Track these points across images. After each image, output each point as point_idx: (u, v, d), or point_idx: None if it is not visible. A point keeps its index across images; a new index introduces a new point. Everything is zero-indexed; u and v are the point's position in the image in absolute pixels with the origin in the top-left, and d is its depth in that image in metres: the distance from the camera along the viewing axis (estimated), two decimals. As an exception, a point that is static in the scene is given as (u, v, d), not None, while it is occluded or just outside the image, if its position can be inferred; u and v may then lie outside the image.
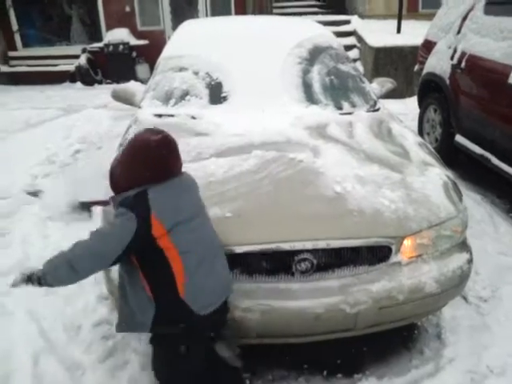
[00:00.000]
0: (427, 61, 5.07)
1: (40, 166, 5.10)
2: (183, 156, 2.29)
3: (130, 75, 9.65)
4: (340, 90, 3.21)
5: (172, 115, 2.93)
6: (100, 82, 10.10)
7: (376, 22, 10.45)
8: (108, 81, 10.01)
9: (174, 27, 10.61)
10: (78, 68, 9.84)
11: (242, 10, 10.03)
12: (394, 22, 10.12)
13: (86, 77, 9.83)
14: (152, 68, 9.91)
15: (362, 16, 10.92)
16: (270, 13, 10.26)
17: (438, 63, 4.79)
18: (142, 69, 9.85)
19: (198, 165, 2.29)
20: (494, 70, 3.89)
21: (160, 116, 2.96)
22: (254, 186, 2.14)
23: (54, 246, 3.31)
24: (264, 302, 1.92)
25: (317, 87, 3.16)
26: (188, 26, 4.00)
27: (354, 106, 3.11)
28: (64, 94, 9.39)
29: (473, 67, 4.19)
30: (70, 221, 3.76)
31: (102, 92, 9.42)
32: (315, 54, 3.37)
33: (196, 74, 3.18)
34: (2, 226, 3.74)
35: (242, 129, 2.63)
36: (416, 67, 5.55)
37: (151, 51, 10.12)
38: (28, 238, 3.47)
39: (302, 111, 2.88)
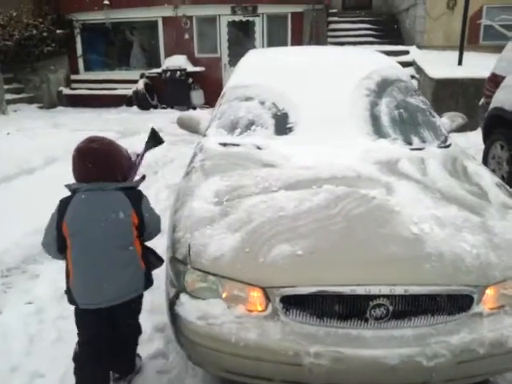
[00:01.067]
0: (495, 95, 4.87)
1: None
2: (251, 188, 2.26)
3: (185, 101, 9.89)
4: (409, 124, 3.10)
5: (237, 144, 2.91)
6: (155, 107, 10.39)
7: (435, 52, 10.28)
8: (163, 106, 10.29)
9: (231, 55, 10.92)
10: (136, 92, 10.18)
11: (298, 39, 10.13)
12: (454, 54, 9.92)
13: (142, 101, 10.15)
14: (206, 94, 10.19)
15: (419, 46, 10.77)
16: (325, 42, 10.29)
17: (507, 98, 4.59)
18: (196, 95, 10.07)
19: (267, 197, 2.23)
20: None
21: (225, 145, 2.94)
22: (326, 223, 2.04)
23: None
24: (335, 349, 1.80)
25: (385, 120, 3.06)
26: (253, 55, 4.03)
27: (424, 141, 2.98)
28: (121, 117, 9.72)
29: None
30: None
31: (157, 116, 9.70)
32: (384, 87, 3.28)
33: (262, 103, 3.16)
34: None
35: (311, 162, 2.55)
36: (482, 101, 5.35)
37: (206, 78, 10.40)
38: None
39: (371, 145, 2.78)
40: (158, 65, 10.66)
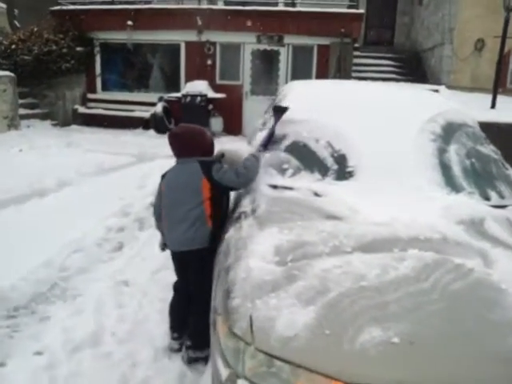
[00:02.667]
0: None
1: (114, 217, 4.83)
2: (319, 246, 1.90)
3: (204, 127, 9.57)
4: (483, 177, 2.74)
5: (290, 188, 2.54)
6: (172, 131, 10.10)
7: (462, 94, 10.03)
8: (180, 130, 10.01)
9: (253, 83, 10.70)
10: (154, 115, 9.91)
11: (323, 72, 9.92)
12: (481, 96, 9.68)
13: (160, 125, 9.87)
14: (225, 122, 9.92)
15: (447, 87, 10.55)
16: (349, 76, 10.07)
17: None
18: (216, 122, 9.82)
19: (341, 261, 1.84)
20: None
21: (276, 187, 2.57)
22: (421, 301, 1.65)
23: (131, 319, 2.94)
24: None
25: (457, 171, 2.70)
26: (300, 87, 3.68)
27: (502, 196, 2.62)
28: (137, 140, 9.43)
29: None
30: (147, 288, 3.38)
31: (174, 141, 9.40)
32: (450, 132, 2.93)
33: (316, 141, 2.81)
34: (74, 286, 3.40)
35: (384, 217, 2.18)
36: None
37: (227, 105, 10.15)
38: (102, 307, 3.08)
39: (448, 200, 2.41)
40: (178, 89, 10.43)
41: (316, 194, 2.48)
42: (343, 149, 2.76)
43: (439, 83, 11.30)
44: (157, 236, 4.53)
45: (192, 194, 2.51)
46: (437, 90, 9.52)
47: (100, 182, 6.26)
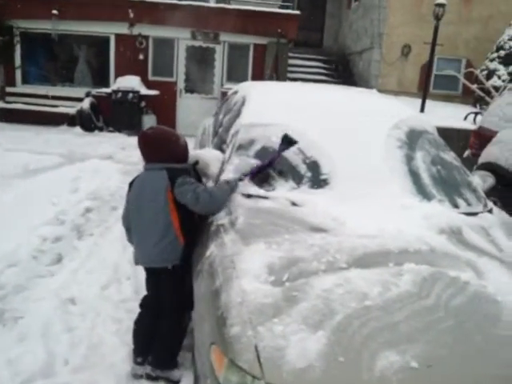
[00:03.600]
0: (486, 149, 4.78)
1: (48, 225, 4.39)
2: (313, 262, 1.80)
3: (135, 125, 9.19)
4: (449, 184, 2.78)
5: (266, 197, 2.41)
6: (101, 129, 9.57)
7: (388, 97, 10.45)
8: (110, 128, 9.51)
9: (187, 81, 10.40)
10: (80, 112, 9.31)
11: (259, 71, 9.87)
12: (407, 100, 10.15)
13: (86, 122, 9.30)
14: (159, 119, 9.55)
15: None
16: (284, 76, 10.11)
17: (502, 154, 4.50)
18: (149, 120, 9.41)
19: (340, 278, 1.75)
20: None
21: (249, 196, 2.42)
22: (429, 319, 1.60)
23: (85, 343, 2.67)
24: None
25: (425, 178, 2.71)
26: (256, 89, 3.54)
27: (469, 204, 2.67)
28: (63, 138, 8.79)
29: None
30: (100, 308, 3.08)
31: (104, 140, 8.89)
32: (414, 139, 2.95)
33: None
34: (13, 307, 3.01)
35: (371, 228, 2.11)
36: (467, 153, 5.27)
37: (160, 102, 9.78)
38: (49, 330, 2.75)
39: (425, 209, 2.39)
40: (107, 84, 9.86)
41: (294, 204, 2.36)
42: (315, 155, 2.67)
43: (367, 86, 11.70)
44: (98, 245, 4.24)
45: (156, 207, 2.31)
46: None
47: (27, 185, 5.67)
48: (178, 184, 2.28)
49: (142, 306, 2.58)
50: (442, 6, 8.74)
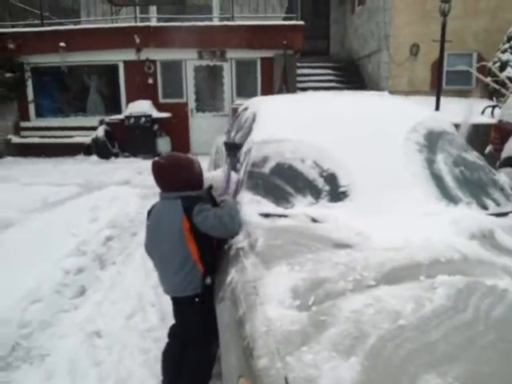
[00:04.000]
0: (508, 144, 4.63)
1: (70, 257, 4.38)
2: (339, 282, 1.71)
3: (150, 149, 9.24)
4: (475, 185, 2.66)
5: (285, 215, 2.33)
6: (117, 155, 9.64)
7: (403, 98, 10.31)
8: (126, 154, 9.57)
9: (198, 100, 10.44)
10: (95, 140, 9.40)
11: (268, 84, 9.85)
12: (419, 99, 9.97)
13: (102, 149, 9.38)
14: (173, 141, 9.60)
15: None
16: (294, 87, 10.07)
17: (525, 147, 4.34)
18: (163, 142, 9.46)
19: (369, 297, 1.65)
20: None
21: (268, 216, 2.35)
22: (469, 335, 1.49)
23: (114, 377, 2.61)
24: None
25: (449, 181, 2.61)
26: (266, 104, 3.49)
27: (497, 204, 2.55)
28: (79, 168, 8.87)
29: None
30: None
31: (121, 166, 8.94)
32: (433, 141, 2.85)
33: (302, 162, 2.63)
34: (39, 344, 2.98)
35: (397, 239, 2.02)
36: (488, 148, 5.12)
37: (173, 124, 9.82)
38: (76, 366, 2.71)
39: (452, 213, 2.29)
40: (119, 111, 9.96)
41: (314, 220, 2.29)
42: (332, 167, 2.60)
43: (378, 89, 11.58)
44: (121, 274, 4.21)
45: (172, 238, 2.26)
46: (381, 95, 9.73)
47: (46, 218, 5.71)
48: (196, 212, 2.22)
49: (169, 335, 2.53)
50: (447, 1, 8.62)
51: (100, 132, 9.45)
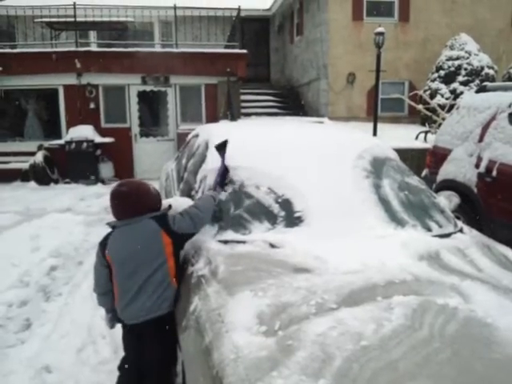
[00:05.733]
0: (443, 168, 4.96)
1: (12, 289, 4.18)
2: (302, 306, 1.77)
3: (92, 174, 9.01)
4: (418, 208, 2.83)
5: (243, 241, 2.37)
6: (57, 182, 9.31)
7: (342, 124, 10.76)
8: (66, 180, 9.26)
9: (142, 125, 10.34)
10: (33, 166, 9.03)
11: (213, 111, 9.95)
12: (357, 124, 10.49)
13: (41, 176, 9.02)
14: (116, 166, 9.41)
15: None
16: (239, 113, 10.23)
17: (459, 170, 4.68)
18: (106, 168, 9.25)
19: (331, 319, 1.71)
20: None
21: (226, 242, 2.38)
22: (427, 352, 1.58)
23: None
24: None
25: (396, 205, 2.76)
26: (216, 131, 3.53)
27: (440, 225, 2.73)
28: (17, 194, 8.48)
29: (510, 176, 4.06)
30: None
31: (62, 192, 8.63)
32: (378, 167, 3.02)
33: (257, 188, 2.69)
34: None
35: (353, 263, 2.11)
36: (424, 172, 5.44)
37: (116, 149, 9.65)
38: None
39: (401, 237, 2.43)
40: (59, 136, 9.65)
41: (272, 246, 2.34)
42: (286, 194, 2.68)
43: (318, 115, 12.03)
44: (68, 305, 4.03)
45: (152, 257, 2.24)
46: (322, 122, 10.12)
47: (-18, 249, 5.42)
48: (171, 220, 2.31)
49: (121, 368, 2.43)
50: (381, 34, 9.16)
51: (38, 157, 9.09)
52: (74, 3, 9.83)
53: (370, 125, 9.74)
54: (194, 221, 2.36)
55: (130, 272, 2.24)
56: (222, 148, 2.86)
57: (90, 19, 10.58)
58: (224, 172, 2.75)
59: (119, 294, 2.29)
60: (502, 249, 2.57)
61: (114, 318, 2.43)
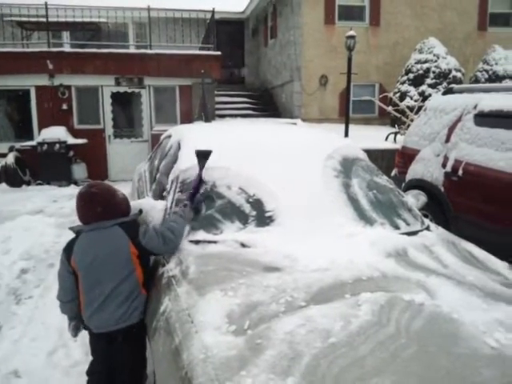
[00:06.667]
0: (411, 167, 5.07)
1: (-19, 293, 4.08)
2: (272, 304, 1.79)
3: (65, 176, 8.87)
4: (387, 207, 2.89)
5: (214, 241, 2.38)
6: (29, 183, 9.13)
7: (315, 125, 10.86)
8: (38, 182, 9.09)
9: (115, 126, 10.22)
10: (4, 168, 8.84)
11: (187, 112, 9.92)
12: (330, 126, 10.61)
13: (12, 177, 8.84)
14: (89, 167, 9.28)
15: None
16: (213, 114, 10.22)
17: (427, 170, 4.78)
18: (78, 169, 9.12)
19: (300, 317, 1.74)
20: (501, 178, 3.89)
21: (197, 242, 2.38)
22: (393, 348, 1.61)
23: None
24: None
25: (364, 203, 2.81)
26: (190, 132, 3.53)
27: (407, 223, 2.79)
28: (-14, 197, 8.25)
29: (475, 175, 4.18)
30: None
31: (34, 194, 8.47)
32: (347, 167, 3.07)
33: (229, 188, 2.70)
34: None
35: (322, 261, 2.14)
36: (394, 172, 5.55)
37: (89, 150, 9.52)
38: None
39: (370, 235, 2.47)
40: (31, 137, 9.47)
41: (243, 245, 2.36)
42: (257, 193, 2.69)
43: (292, 117, 12.12)
44: (39, 308, 3.96)
45: (119, 266, 2.17)
46: (295, 123, 10.19)
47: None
48: (142, 234, 2.23)
49: (91, 374, 2.37)
50: (352, 37, 9.29)
51: (10, 159, 8.90)
52: (46, 3, 9.67)
53: (343, 126, 9.87)
54: (166, 244, 2.27)
55: (97, 280, 2.17)
56: (203, 157, 2.75)
57: (63, 19, 10.42)
58: (198, 184, 2.67)
59: (85, 303, 2.22)
60: (467, 245, 2.63)
61: (77, 326, 2.37)
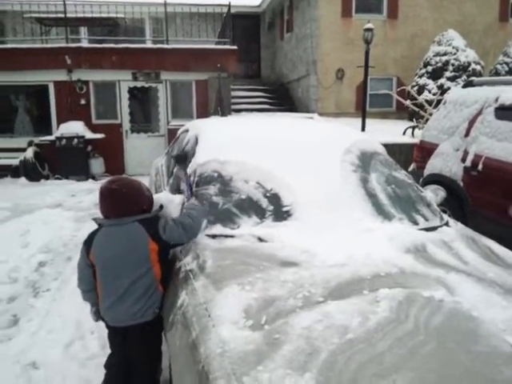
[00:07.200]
0: (429, 162, 5.00)
1: (0, 285, 4.16)
2: (289, 299, 1.77)
3: (83, 170, 8.97)
4: (405, 202, 2.86)
5: (232, 236, 2.38)
6: (47, 178, 9.25)
7: (332, 119, 10.78)
8: (57, 176, 9.21)
9: (132, 121, 10.30)
10: (23, 162, 8.97)
11: (203, 106, 9.93)
12: (346, 120, 10.52)
13: (32, 172, 8.96)
14: (107, 162, 9.37)
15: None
16: (229, 109, 10.22)
17: (446, 165, 4.72)
18: (96, 163, 9.21)
19: (319, 313, 1.72)
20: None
21: (214, 237, 2.39)
22: (412, 345, 1.59)
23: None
24: None
25: (383, 198, 2.78)
26: (206, 127, 3.53)
27: (426, 219, 2.75)
28: (7, 190, 8.42)
29: (495, 170, 4.10)
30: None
31: (52, 188, 8.58)
32: (366, 161, 3.04)
33: (246, 183, 2.69)
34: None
35: (340, 257, 2.12)
36: (412, 167, 5.48)
37: (107, 145, 9.61)
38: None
39: (388, 230, 2.44)
40: (50, 132, 9.60)
41: (260, 240, 2.35)
42: (275, 188, 2.68)
43: (308, 111, 12.05)
44: (57, 301, 4.02)
45: (137, 263, 2.18)
46: (311, 118, 10.13)
47: (-29, 245, 5.38)
48: (162, 228, 2.23)
49: (108, 366, 2.41)
50: (370, 30, 9.18)
51: (29, 153, 9.04)
52: (64, -1, 9.78)
53: (359, 120, 9.78)
54: (187, 231, 2.29)
55: (114, 275, 2.19)
56: (181, 161, 2.83)
57: (81, 15, 10.51)
58: (191, 185, 2.70)
59: (102, 295, 2.26)
60: (487, 241, 2.59)
61: (98, 312, 2.40)
